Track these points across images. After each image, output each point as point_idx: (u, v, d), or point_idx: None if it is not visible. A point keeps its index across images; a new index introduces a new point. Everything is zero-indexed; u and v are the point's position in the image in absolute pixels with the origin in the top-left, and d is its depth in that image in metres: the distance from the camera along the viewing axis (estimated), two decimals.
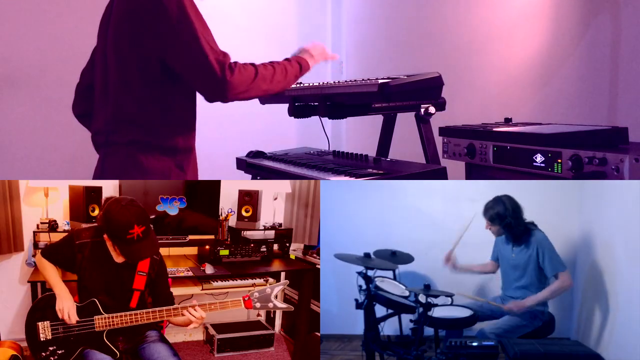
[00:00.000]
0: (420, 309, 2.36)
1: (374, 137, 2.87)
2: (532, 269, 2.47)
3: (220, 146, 2.41)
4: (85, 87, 2.25)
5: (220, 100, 1.93)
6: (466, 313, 2.43)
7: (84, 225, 2.86)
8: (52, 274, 2.21)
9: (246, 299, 2.09)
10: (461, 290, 2.62)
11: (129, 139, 1.98)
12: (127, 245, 1.99)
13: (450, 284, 2.68)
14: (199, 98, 2.04)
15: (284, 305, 2.14)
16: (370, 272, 2.49)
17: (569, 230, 2.84)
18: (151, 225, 2.06)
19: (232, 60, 1.91)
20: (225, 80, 1.86)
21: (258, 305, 2.09)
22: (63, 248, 2.22)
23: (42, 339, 2.09)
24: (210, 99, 1.95)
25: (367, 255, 2.52)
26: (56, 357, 2.09)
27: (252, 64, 1.98)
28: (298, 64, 2.17)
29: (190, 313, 2.09)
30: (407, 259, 2.69)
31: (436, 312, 2.38)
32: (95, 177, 2.12)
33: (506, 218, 2.44)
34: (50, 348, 2.09)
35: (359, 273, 2.49)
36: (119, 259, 2.14)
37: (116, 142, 2.01)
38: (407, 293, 2.54)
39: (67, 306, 2.09)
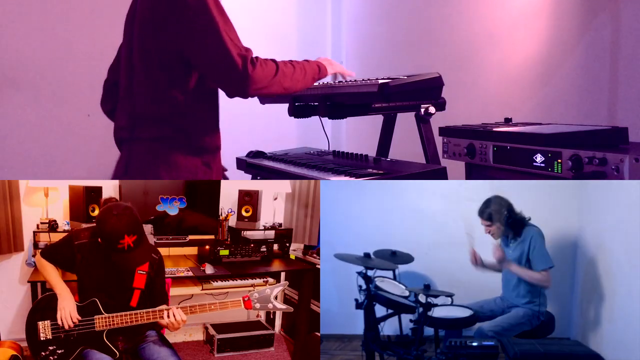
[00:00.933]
0: (420, 309, 2.36)
1: (374, 137, 2.86)
2: (524, 264, 2.48)
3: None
4: (113, 84, 2.23)
5: (242, 95, 1.91)
6: (466, 313, 2.43)
7: (84, 225, 2.86)
8: (52, 274, 2.21)
9: (246, 299, 2.09)
10: (461, 290, 2.62)
11: (155, 135, 1.97)
12: (118, 254, 2.00)
13: (450, 284, 2.68)
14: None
15: (283, 306, 2.14)
16: (370, 272, 2.49)
17: (569, 230, 2.84)
18: (146, 233, 2.06)
19: (254, 55, 1.89)
20: (247, 75, 1.84)
21: (258, 305, 2.09)
22: (62, 248, 2.22)
23: (42, 339, 2.09)
24: (231, 94, 1.93)
25: (367, 255, 2.52)
26: (56, 356, 2.09)
27: (273, 60, 1.95)
28: (317, 66, 2.14)
29: (172, 317, 2.08)
30: (407, 259, 2.69)
31: (436, 312, 2.38)
32: (117, 173, 2.10)
33: (503, 212, 2.45)
34: (50, 347, 2.09)
35: (359, 273, 2.49)
36: None
37: (142, 137, 1.99)
38: (407, 293, 2.54)
39: (68, 306, 2.10)
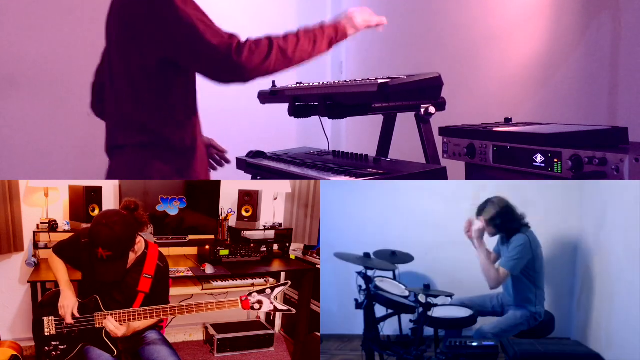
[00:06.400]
0: (420, 309, 2.36)
1: (374, 137, 2.86)
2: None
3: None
4: (100, 86, 2.22)
5: (238, 81, 1.86)
6: (466, 313, 2.43)
7: (84, 225, 2.86)
8: (60, 270, 2.23)
9: (243, 299, 2.08)
10: (461, 290, 2.62)
11: (136, 140, 1.96)
12: (94, 259, 2.00)
13: (450, 284, 2.68)
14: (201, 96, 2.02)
15: (284, 307, 2.09)
16: (370, 272, 2.49)
17: (569, 230, 2.84)
18: (146, 233, 2.06)
19: (242, 40, 1.82)
20: (234, 62, 1.78)
21: (257, 306, 2.07)
22: (70, 245, 2.25)
23: (46, 334, 2.11)
24: (226, 83, 1.89)
25: (366, 255, 2.52)
26: (59, 352, 2.11)
27: (268, 38, 1.86)
28: (334, 29, 2.03)
29: (110, 323, 2.08)
30: (407, 259, 2.69)
31: (436, 312, 2.38)
32: (108, 176, 2.10)
33: (496, 219, 2.45)
34: (54, 343, 2.12)
35: (359, 273, 2.49)
36: None
37: (125, 144, 1.99)
38: (407, 293, 2.54)
39: (68, 303, 2.11)
